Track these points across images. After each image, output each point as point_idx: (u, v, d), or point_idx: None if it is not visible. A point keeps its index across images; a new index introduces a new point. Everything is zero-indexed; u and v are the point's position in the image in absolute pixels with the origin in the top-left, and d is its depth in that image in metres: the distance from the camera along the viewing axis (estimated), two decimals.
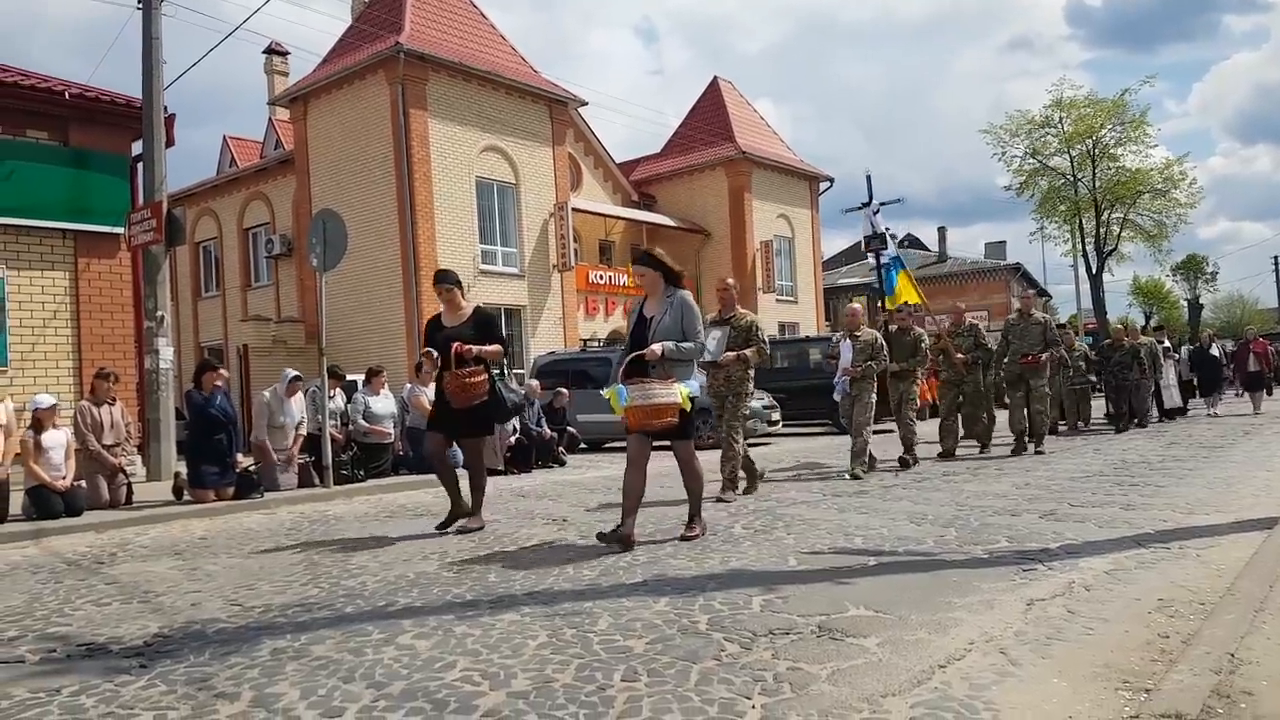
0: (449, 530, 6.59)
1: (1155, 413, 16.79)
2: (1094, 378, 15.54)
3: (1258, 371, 18.53)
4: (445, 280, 6.81)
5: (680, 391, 5.46)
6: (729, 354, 7.90)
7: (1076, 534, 5.39)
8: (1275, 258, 56.77)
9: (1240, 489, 7.19)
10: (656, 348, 5.47)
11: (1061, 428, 14.93)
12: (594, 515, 7.27)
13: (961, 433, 11.78)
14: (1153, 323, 48.94)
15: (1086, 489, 7.50)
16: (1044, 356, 11.36)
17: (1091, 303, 37.43)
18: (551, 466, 13.09)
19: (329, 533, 6.94)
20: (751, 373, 8.19)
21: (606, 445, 16.93)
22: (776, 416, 16.22)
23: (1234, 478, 7.92)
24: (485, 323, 6.79)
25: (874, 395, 9.69)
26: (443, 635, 3.63)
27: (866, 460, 9.53)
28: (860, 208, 13.08)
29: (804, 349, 20.03)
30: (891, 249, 12.21)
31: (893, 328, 10.91)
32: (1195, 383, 19.00)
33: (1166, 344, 17.79)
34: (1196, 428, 14.77)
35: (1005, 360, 11.68)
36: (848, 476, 9.20)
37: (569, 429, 15.14)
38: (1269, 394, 19.68)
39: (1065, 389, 15.07)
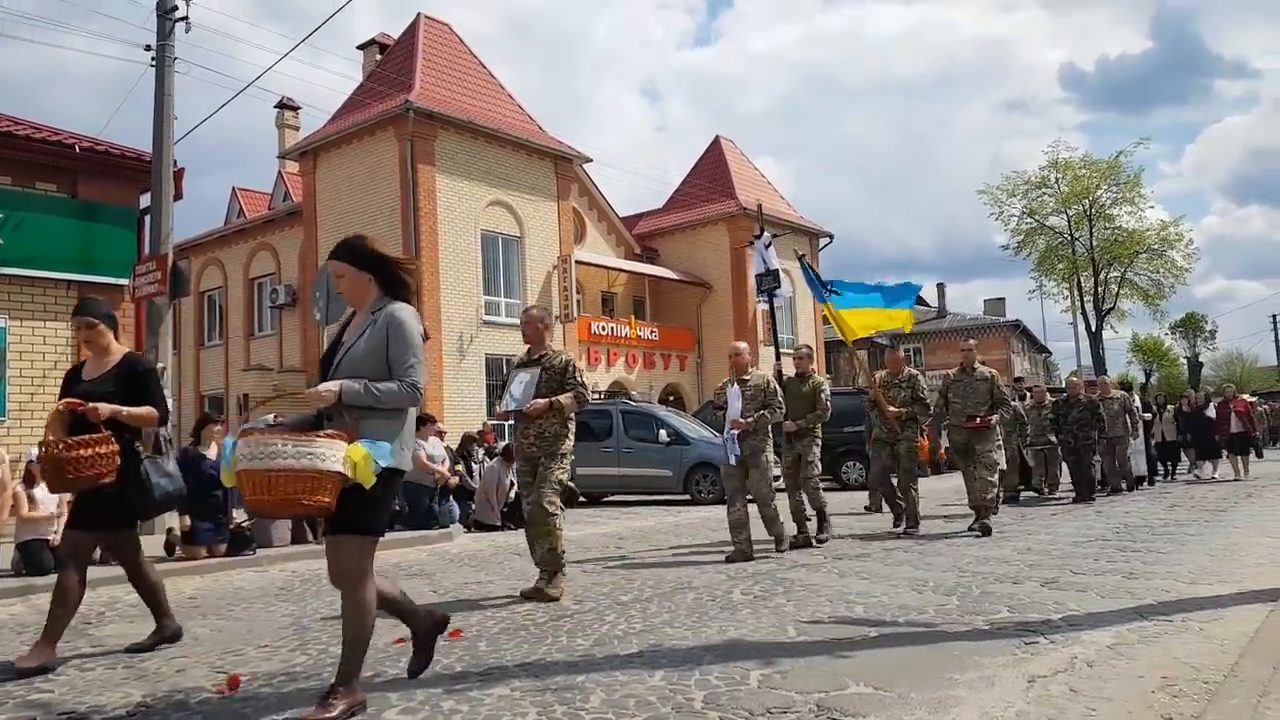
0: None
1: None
2: (1053, 438, 13.89)
3: (1241, 433, 17.19)
4: (84, 313, 4.91)
5: (347, 456, 3.31)
6: (538, 402, 6.17)
7: (1078, 604, 5.31)
8: (1274, 316, 56.96)
9: (1244, 556, 7.10)
10: (332, 385, 3.45)
11: (1027, 494, 14.02)
12: (590, 578, 7.17)
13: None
14: (1154, 379, 48.80)
15: (1089, 554, 7.41)
16: (993, 419, 9.76)
17: (1091, 360, 37.47)
18: None
19: (320, 593, 6.85)
20: (571, 426, 6.48)
21: (606, 500, 16.84)
22: (777, 472, 16.12)
23: (1237, 544, 7.83)
24: (134, 375, 4.85)
25: (771, 453, 8.19)
26: (430, 711, 3.55)
27: (784, 532, 8.39)
28: (750, 243, 11.25)
29: None
30: (786, 289, 10.58)
31: (789, 374, 9.24)
32: (1184, 444, 17.96)
33: (1137, 401, 15.94)
34: (1198, 490, 14.62)
35: (946, 424, 10.16)
36: (774, 550, 8.24)
37: (568, 483, 15.05)
38: (1258, 456, 18.33)
39: (1030, 451, 13.93)
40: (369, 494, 3.41)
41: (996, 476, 9.93)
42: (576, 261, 25.51)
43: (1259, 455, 18.23)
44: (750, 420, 7.98)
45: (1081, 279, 37.86)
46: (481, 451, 13.95)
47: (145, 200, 12.07)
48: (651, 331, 29.27)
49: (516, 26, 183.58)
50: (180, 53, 11.97)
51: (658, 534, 10.58)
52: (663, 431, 15.90)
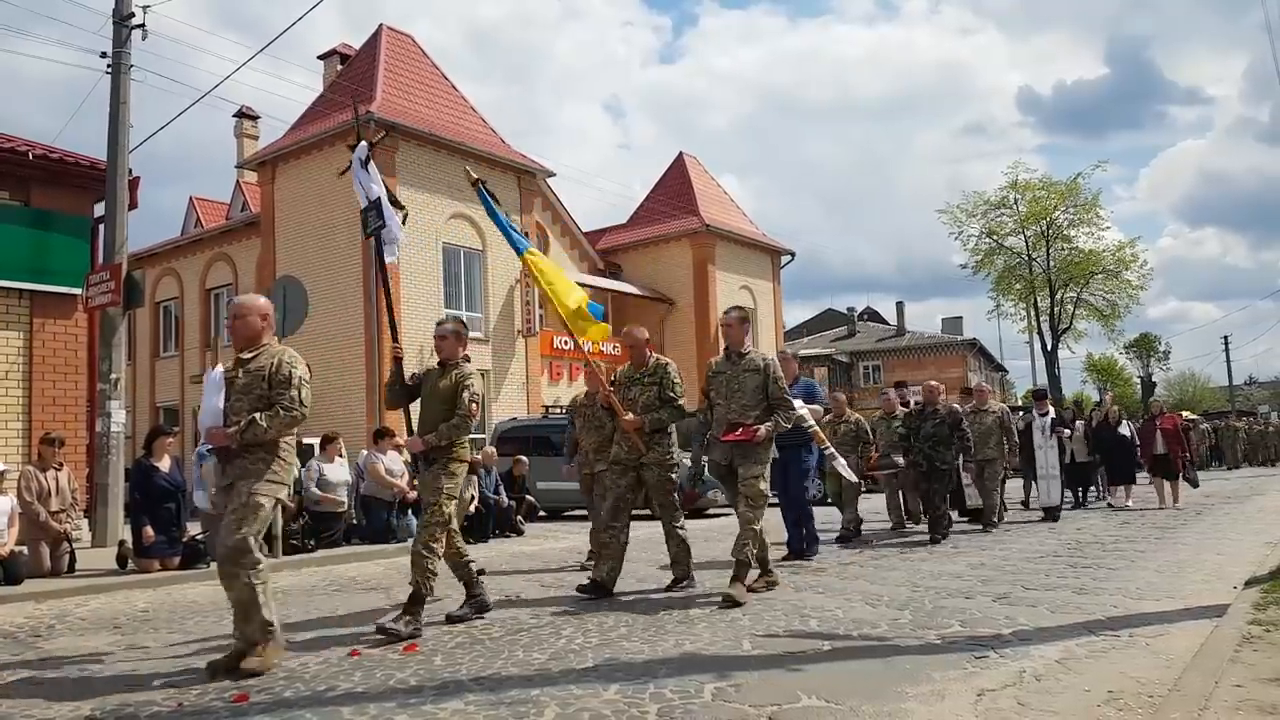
0: None
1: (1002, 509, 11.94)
2: (899, 459, 10.89)
3: (1165, 455, 14.54)
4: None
5: None
6: None
7: (1029, 619, 5.40)
8: (1226, 338, 58.24)
9: (1191, 573, 7.24)
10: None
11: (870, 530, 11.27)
12: (548, 592, 7.16)
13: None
14: (1108, 398, 49.52)
15: (1040, 570, 7.53)
16: (761, 430, 6.44)
17: (1047, 379, 38.12)
18: (509, 536, 12.93)
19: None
20: None
21: (566, 514, 16.80)
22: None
23: (1185, 561, 7.98)
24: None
25: (264, 487, 4.55)
26: None
27: (259, 637, 4.51)
28: (348, 169, 6.84)
29: None
30: (397, 230, 6.61)
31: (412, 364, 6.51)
32: (1095, 465, 15.33)
33: (1050, 414, 13.30)
34: (1151, 506, 14.58)
35: (709, 435, 6.88)
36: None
37: (528, 497, 15.02)
38: (1192, 484, 15.70)
39: (884, 476, 11.62)
40: None
41: (762, 517, 6.49)
42: None
43: (1192, 484, 15.64)
44: (233, 430, 4.57)
45: (1038, 299, 38.54)
46: None
47: (100, 209, 11.90)
48: (614, 347, 29.26)
49: (479, 41, 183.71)
50: (137, 60, 11.86)
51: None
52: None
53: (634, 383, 6.98)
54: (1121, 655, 4.46)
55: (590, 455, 8.37)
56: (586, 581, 6.85)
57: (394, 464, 11.92)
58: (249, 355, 4.76)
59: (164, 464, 9.07)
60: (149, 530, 8.68)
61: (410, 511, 12.10)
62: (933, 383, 11.34)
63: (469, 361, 6.00)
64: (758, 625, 5.39)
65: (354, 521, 11.45)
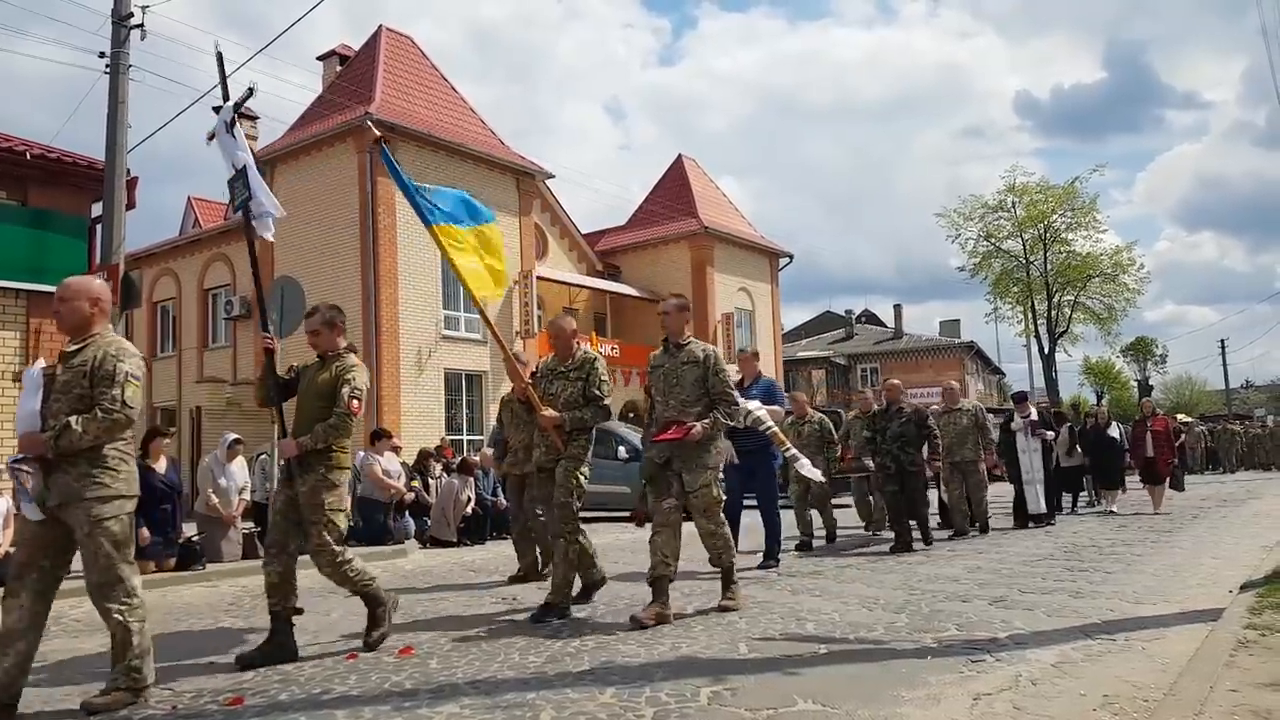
0: None
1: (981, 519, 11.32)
2: (869, 462, 10.58)
3: (1154, 459, 14.22)
4: None
5: None
6: None
7: (1025, 622, 5.39)
8: (1222, 341, 58.32)
9: (1187, 577, 7.25)
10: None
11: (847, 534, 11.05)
12: (545, 593, 7.14)
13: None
14: (1104, 401, 49.65)
15: (1036, 574, 7.53)
16: (697, 428, 5.79)
17: (1044, 382, 38.16)
18: (507, 538, 12.89)
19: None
20: None
21: None
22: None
23: (1181, 565, 7.99)
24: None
25: (103, 509, 3.98)
26: None
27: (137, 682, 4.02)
28: (213, 135, 5.81)
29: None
30: (267, 203, 5.77)
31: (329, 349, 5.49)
32: (1086, 469, 14.77)
33: (1033, 415, 12.48)
34: (1145, 511, 14.58)
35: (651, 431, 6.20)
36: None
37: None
38: (1178, 488, 15.60)
39: (854, 480, 11.38)
40: None
41: (722, 523, 6.09)
42: (538, 277, 25.52)
43: (1178, 487, 15.51)
44: (47, 436, 3.95)
45: (1035, 302, 38.61)
46: (439, 467, 13.87)
47: (97, 209, 11.88)
48: (612, 348, 29.28)
49: (480, 41, 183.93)
50: (136, 60, 11.87)
51: (615, 550, 10.57)
52: (621, 448, 15.89)
53: (557, 376, 6.27)
54: (1117, 659, 4.47)
55: (520, 455, 7.78)
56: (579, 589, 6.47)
57: (391, 465, 11.93)
58: (74, 348, 4.15)
59: (160, 465, 9.07)
60: (144, 531, 8.66)
61: (407, 513, 12.11)
62: (894, 381, 10.89)
63: (354, 352, 5.44)
64: (754, 629, 5.39)
65: (351, 523, 11.42)
